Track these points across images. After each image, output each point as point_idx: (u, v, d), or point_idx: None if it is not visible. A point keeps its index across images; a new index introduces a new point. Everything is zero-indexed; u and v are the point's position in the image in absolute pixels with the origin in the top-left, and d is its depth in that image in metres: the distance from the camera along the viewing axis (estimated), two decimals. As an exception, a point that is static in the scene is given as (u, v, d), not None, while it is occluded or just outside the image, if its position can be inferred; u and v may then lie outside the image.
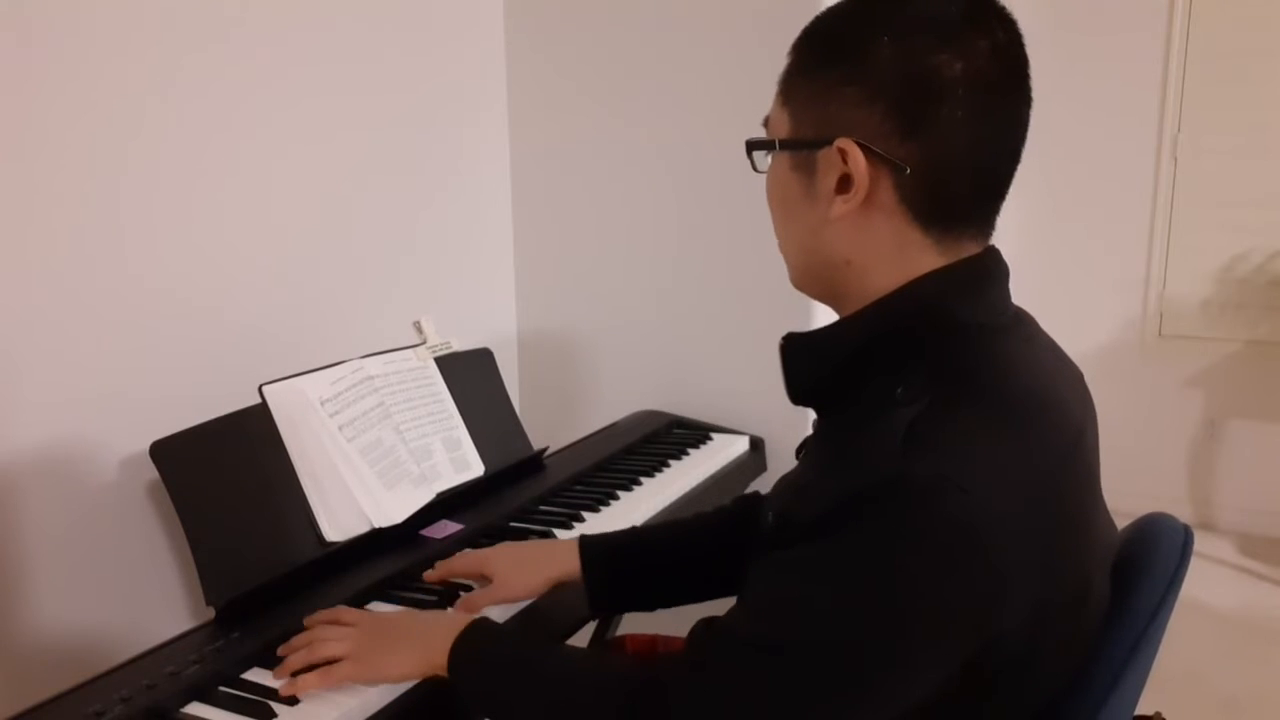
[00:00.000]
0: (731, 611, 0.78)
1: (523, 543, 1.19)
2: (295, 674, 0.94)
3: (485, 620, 0.95)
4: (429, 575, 1.16)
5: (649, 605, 1.13)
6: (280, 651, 0.98)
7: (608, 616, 1.40)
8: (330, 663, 0.94)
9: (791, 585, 0.72)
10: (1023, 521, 0.68)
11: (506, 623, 1.11)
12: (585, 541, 1.12)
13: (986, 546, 0.67)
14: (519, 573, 1.10)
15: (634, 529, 1.20)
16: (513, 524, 1.36)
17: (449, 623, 0.93)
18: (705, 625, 0.79)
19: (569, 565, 1.11)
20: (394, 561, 1.17)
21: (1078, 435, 0.76)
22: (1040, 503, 0.70)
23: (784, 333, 0.87)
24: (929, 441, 0.69)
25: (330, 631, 0.98)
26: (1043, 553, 0.70)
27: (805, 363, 0.84)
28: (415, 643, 0.94)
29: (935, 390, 0.72)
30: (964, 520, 0.66)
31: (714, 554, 1.08)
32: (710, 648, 0.76)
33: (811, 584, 0.71)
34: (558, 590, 1.13)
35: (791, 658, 0.70)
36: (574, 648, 0.91)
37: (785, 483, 0.92)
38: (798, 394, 0.86)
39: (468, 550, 1.19)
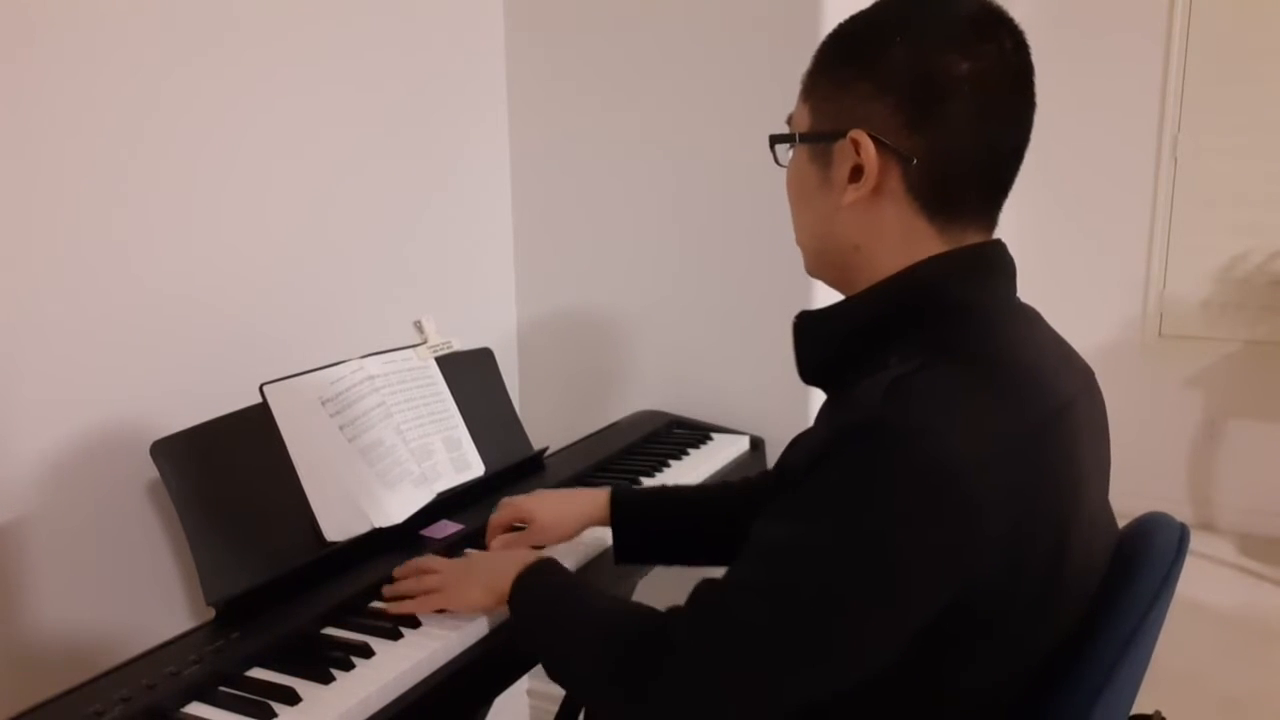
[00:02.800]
0: (733, 562, 0.81)
1: (559, 490, 1.29)
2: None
3: (544, 561, 1.02)
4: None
5: (669, 561, 1.21)
6: (395, 574, 1.14)
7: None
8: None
9: (778, 529, 0.77)
10: (995, 470, 0.71)
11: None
12: (616, 493, 1.22)
13: (959, 486, 0.70)
14: (556, 519, 1.22)
15: (664, 487, 1.29)
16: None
17: (517, 562, 1.02)
18: (708, 580, 0.82)
19: (599, 513, 1.21)
20: (394, 561, 1.17)
21: (1062, 409, 0.79)
22: (1013, 457, 0.73)
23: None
24: (908, 392, 0.73)
25: (432, 564, 1.13)
26: (1014, 505, 0.72)
27: (815, 339, 0.90)
28: (487, 580, 1.05)
29: (925, 355, 0.76)
30: (937, 461, 0.70)
31: (734, 520, 1.14)
32: (709, 592, 0.80)
33: (794, 526, 0.75)
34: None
35: (776, 598, 0.74)
36: (604, 593, 0.97)
37: (790, 442, 0.97)
38: (807, 371, 0.91)
39: (509, 500, 1.26)
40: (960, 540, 0.71)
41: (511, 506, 1.24)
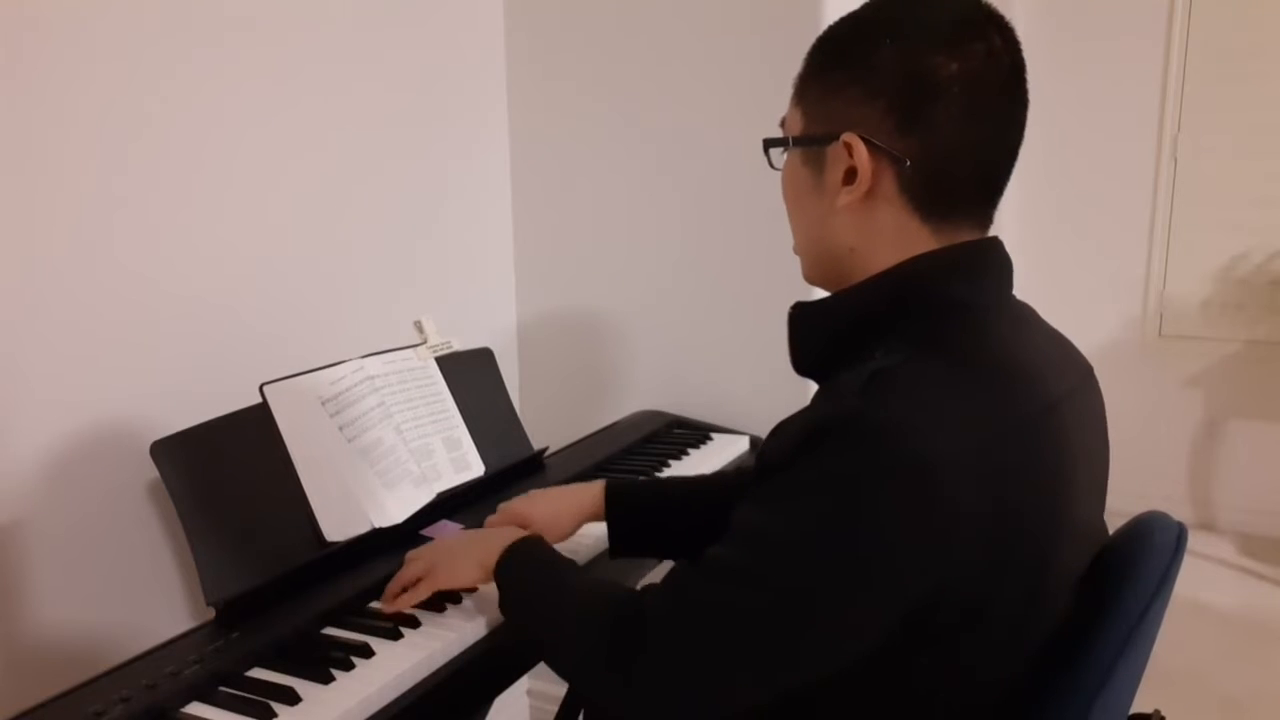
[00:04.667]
0: (711, 546, 0.81)
1: (552, 489, 1.27)
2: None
3: (531, 538, 1.05)
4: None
5: (664, 554, 1.22)
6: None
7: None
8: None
9: (756, 515, 0.78)
10: (974, 469, 0.71)
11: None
12: (610, 487, 1.22)
13: (937, 482, 0.70)
14: (552, 519, 1.21)
15: (658, 480, 1.29)
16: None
17: (504, 538, 1.04)
18: (687, 560, 0.83)
19: (594, 507, 1.22)
20: (394, 561, 1.17)
21: (1050, 406, 0.79)
22: (992, 452, 0.72)
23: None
24: (888, 386, 0.73)
25: (414, 554, 1.13)
26: (993, 501, 0.72)
27: (809, 331, 0.90)
28: (474, 556, 1.06)
29: (909, 348, 0.76)
30: (914, 456, 0.70)
31: (729, 511, 1.13)
32: (686, 575, 0.81)
33: (768, 515, 0.77)
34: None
35: (752, 584, 0.75)
36: (587, 571, 0.99)
37: (772, 430, 0.97)
38: (801, 363, 0.92)
39: (505, 505, 1.25)
40: (934, 533, 0.71)
41: (507, 512, 1.23)
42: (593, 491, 1.22)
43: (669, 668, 0.79)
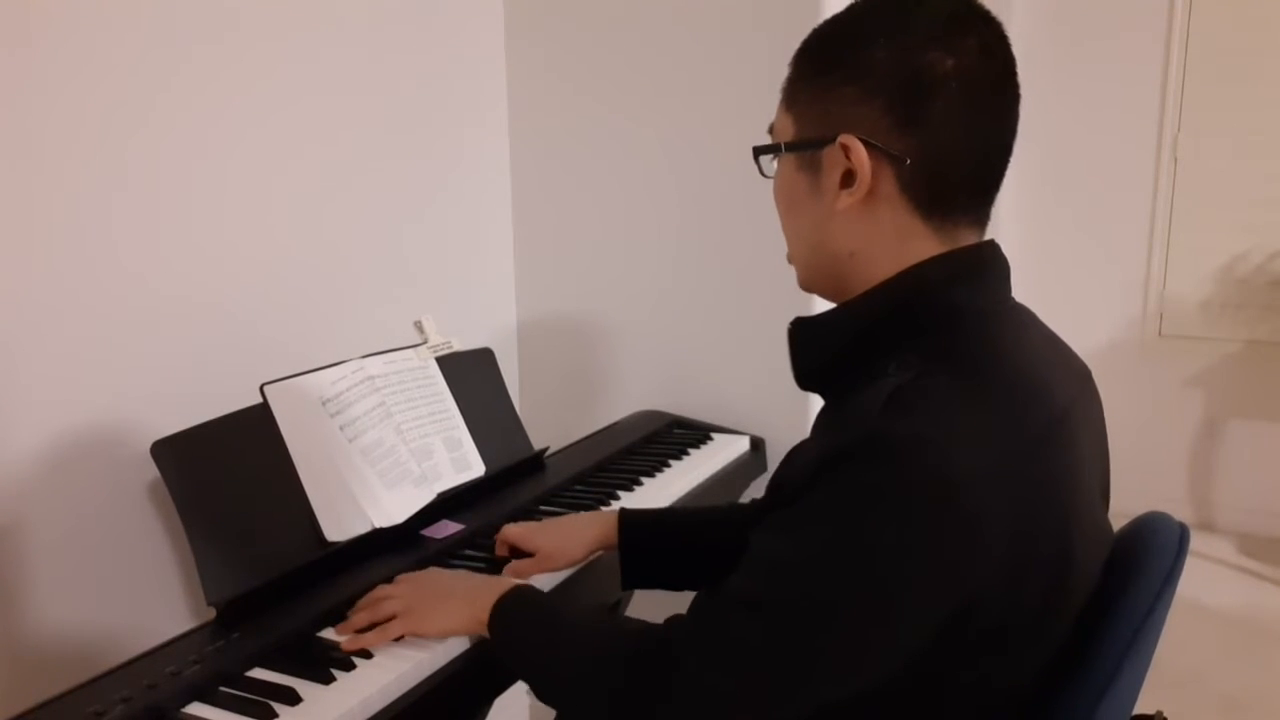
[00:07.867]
0: (730, 575, 0.80)
1: (564, 518, 1.25)
2: (358, 633, 1.03)
3: (527, 585, 1.01)
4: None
5: (677, 585, 1.18)
6: (350, 612, 1.07)
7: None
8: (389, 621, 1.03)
9: (774, 544, 0.77)
10: (995, 484, 0.70)
11: (550, 592, 1.17)
12: (624, 517, 1.19)
13: (960, 501, 0.69)
14: (561, 547, 1.19)
15: (672, 510, 1.26)
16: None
17: (495, 585, 1.00)
18: (707, 591, 0.82)
19: (607, 538, 1.19)
20: (394, 561, 1.17)
21: (1060, 416, 0.78)
22: (1013, 470, 0.72)
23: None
24: (907, 405, 0.72)
25: (388, 590, 1.07)
26: (1016, 517, 0.71)
27: (811, 345, 0.89)
28: (462, 602, 1.00)
29: (923, 365, 0.75)
30: (937, 475, 0.69)
31: (743, 542, 1.12)
32: (708, 607, 0.79)
33: (791, 541, 0.75)
34: (595, 568, 1.23)
35: (775, 613, 0.74)
36: (595, 609, 0.96)
37: (786, 455, 0.97)
38: (804, 377, 0.90)
39: (511, 525, 1.23)
40: (960, 553, 0.70)
41: (515, 534, 1.21)
42: (605, 522, 1.19)
43: (702, 703, 0.77)
